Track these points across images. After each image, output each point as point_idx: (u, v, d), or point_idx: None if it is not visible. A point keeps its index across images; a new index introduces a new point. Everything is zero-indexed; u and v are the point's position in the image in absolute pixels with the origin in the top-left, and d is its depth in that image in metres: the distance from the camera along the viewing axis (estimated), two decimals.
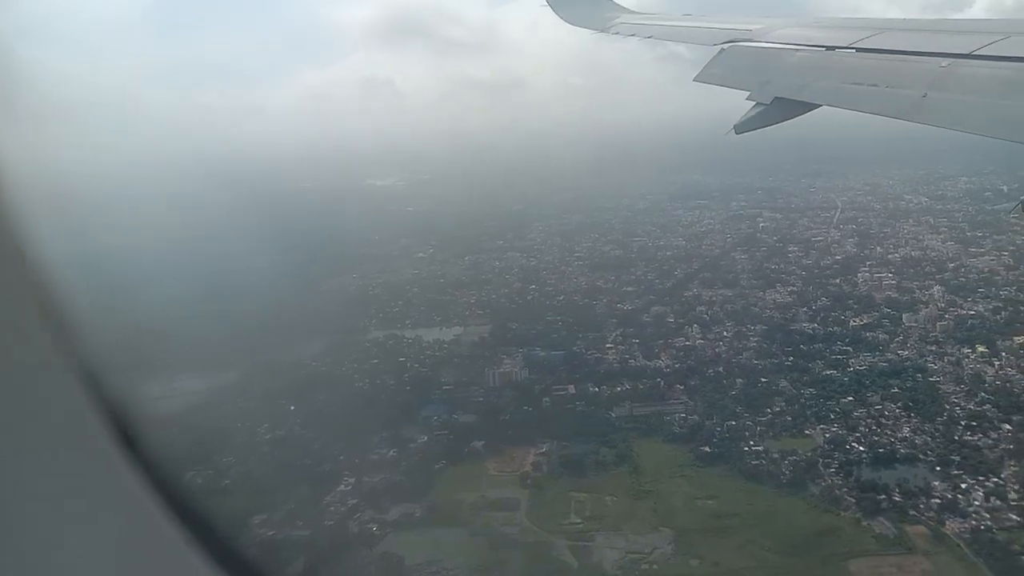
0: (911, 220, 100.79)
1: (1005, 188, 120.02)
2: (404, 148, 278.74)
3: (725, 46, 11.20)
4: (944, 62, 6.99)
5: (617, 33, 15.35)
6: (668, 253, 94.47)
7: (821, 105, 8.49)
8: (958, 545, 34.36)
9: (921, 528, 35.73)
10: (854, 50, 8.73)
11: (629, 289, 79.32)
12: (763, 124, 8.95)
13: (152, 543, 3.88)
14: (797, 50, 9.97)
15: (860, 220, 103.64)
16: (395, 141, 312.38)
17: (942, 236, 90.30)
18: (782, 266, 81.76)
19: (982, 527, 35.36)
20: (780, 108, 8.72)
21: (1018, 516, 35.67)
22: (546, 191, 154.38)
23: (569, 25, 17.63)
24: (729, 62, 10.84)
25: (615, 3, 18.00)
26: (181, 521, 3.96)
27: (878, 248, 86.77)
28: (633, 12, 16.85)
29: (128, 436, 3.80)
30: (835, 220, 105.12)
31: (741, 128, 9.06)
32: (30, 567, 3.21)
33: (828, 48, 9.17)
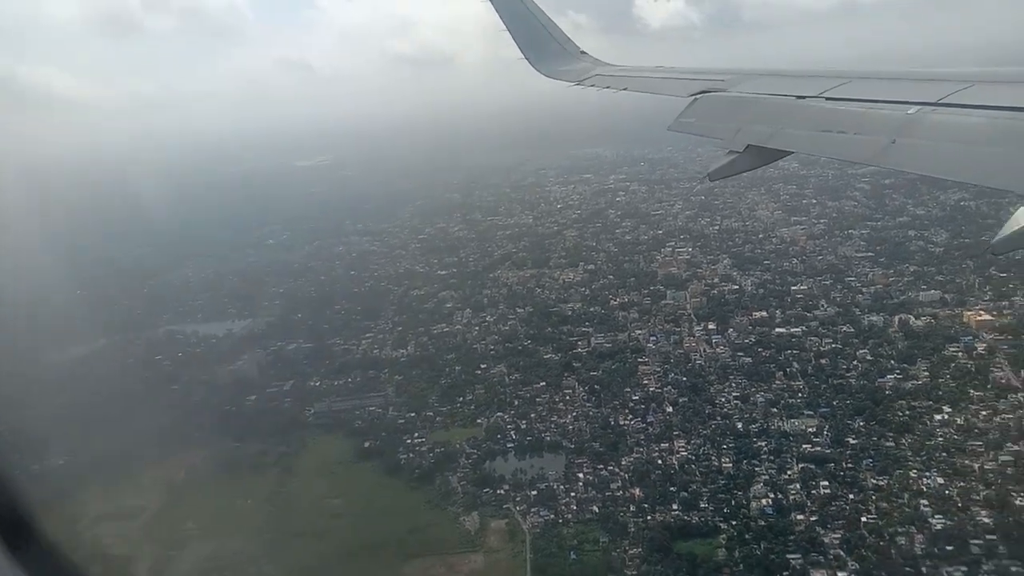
0: (763, 189, 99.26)
1: None
2: (341, 128, 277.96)
3: (698, 96, 11.34)
4: (911, 110, 7.22)
5: (593, 85, 15.60)
6: (507, 232, 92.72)
7: (793, 152, 8.74)
8: (523, 541, 33.65)
9: (503, 523, 34.99)
10: (824, 99, 8.90)
11: (442, 273, 78.17)
12: (736, 171, 9.11)
13: None
14: (768, 99, 10.08)
15: (716, 191, 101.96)
16: (336, 122, 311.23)
17: (775, 205, 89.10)
18: (599, 243, 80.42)
19: (560, 521, 34.61)
20: (752, 155, 8.83)
21: (601, 507, 34.93)
22: (443, 169, 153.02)
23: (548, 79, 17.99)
24: (702, 111, 11.00)
25: (591, 57, 18.20)
26: None
27: (703, 220, 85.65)
28: (608, 64, 17.18)
29: None
30: (693, 191, 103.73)
31: (715, 175, 9.27)
32: None
33: (798, 97, 9.33)
